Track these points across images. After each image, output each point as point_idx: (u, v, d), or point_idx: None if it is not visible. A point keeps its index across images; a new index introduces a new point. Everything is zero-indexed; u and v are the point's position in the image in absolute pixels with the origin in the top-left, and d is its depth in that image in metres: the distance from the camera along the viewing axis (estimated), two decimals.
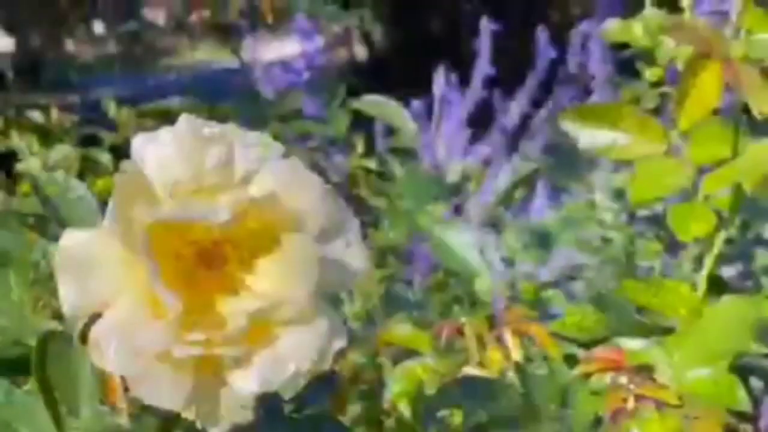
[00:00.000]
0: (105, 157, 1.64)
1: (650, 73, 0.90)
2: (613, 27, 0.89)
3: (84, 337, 0.44)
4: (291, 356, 0.43)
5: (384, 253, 1.34)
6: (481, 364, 0.84)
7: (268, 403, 0.47)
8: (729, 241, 0.80)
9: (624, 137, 0.76)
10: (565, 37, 1.76)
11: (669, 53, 0.85)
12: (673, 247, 0.94)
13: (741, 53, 0.70)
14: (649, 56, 0.89)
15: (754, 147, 0.72)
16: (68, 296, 0.43)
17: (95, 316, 0.43)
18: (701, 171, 0.74)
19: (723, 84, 0.69)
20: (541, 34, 1.72)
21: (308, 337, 0.43)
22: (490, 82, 1.75)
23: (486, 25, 1.73)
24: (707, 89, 0.69)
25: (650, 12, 0.86)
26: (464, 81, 1.77)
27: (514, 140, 1.73)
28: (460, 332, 0.87)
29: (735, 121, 0.74)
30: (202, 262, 0.44)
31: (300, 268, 0.43)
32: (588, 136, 0.77)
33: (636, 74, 0.94)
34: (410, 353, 0.90)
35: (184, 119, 0.45)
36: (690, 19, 0.78)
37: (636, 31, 0.87)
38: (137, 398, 0.43)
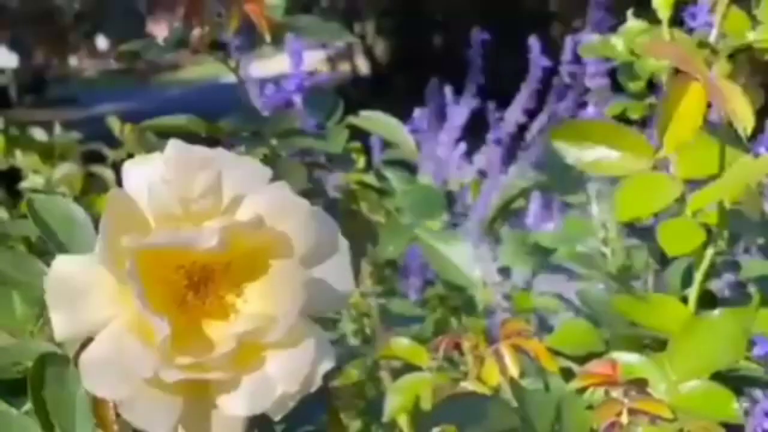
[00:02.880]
0: (108, 174, 1.65)
1: (633, 86, 0.90)
2: (593, 41, 0.89)
3: (78, 360, 0.45)
4: (279, 379, 0.43)
5: (382, 268, 1.35)
6: (479, 379, 0.84)
7: (260, 423, 0.47)
8: (718, 254, 0.81)
9: (611, 153, 0.76)
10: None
11: (650, 66, 0.85)
12: (665, 260, 0.94)
13: (726, 69, 0.71)
14: (630, 69, 0.89)
15: (738, 162, 0.73)
16: (59, 322, 0.44)
17: (90, 340, 0.44)
18: (690, 185, 0.75)
19: (705, 105, 0.69)
20: (534, 44, 1.72)
21: (296, 360, 0.43)
22: (488, 94, 1.75)
23: (476, 35, 1.74)
24: (691, 112, 0.69)
25: (631, 24, 0.87)
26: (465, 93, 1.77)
27: (511, 151, 1.73)
28: (457, 347, 0.87)
29: (721, 136, 0.74)
30: (191, 286, 0.45)
31: (287, 292, 0.44)
32: (576, 153, 0.77)
33: (620, 86, 0.94)
34: (409, 368, 0.90)
35: (172, 144, 0.45)
36: (668, 33, 0.78)
37: (617, 45, 0.88)
38: (129, 423, 0.43)
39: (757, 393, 0.86)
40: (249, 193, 0.45)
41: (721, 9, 0.74)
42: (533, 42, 1.73)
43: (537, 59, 1.71)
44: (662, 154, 0.72)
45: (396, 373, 1.11)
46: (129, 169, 0.46)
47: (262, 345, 0.43)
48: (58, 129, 1.74)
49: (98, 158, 1.71)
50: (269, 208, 0.44)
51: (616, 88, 1.00)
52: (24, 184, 1.66)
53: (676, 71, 0.69)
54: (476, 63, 1.75)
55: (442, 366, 0.88)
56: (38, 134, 1.73)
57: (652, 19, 0.86)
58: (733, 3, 0.76)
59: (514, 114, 1.72)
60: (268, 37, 0.90)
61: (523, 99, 1.72)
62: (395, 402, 0.87)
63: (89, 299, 0.43)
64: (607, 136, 0.76)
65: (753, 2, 0.78)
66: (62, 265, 0.44)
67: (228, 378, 0.43)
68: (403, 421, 0.90)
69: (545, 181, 1.18)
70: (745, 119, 0.68)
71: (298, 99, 1.17)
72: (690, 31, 0.87)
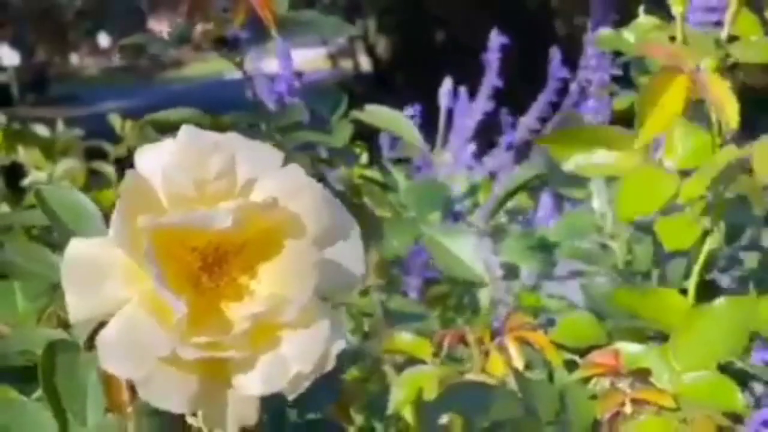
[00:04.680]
0: (109, 170, 1.65)
1: (643, 81, 0.90)
2: (605, 35, 0.89)
3: (90, 346, 0.45)
4: (293, 358, 0.44)
5: (387, 263, 1.35)
6: (484, 372, 0.84)
7: (272, 406, 0.48)
8: (719, 248, 0.81)
9: (606, 155, 0.76)
10: (568, 46, 1.76)
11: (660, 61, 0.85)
12: (667, 253, 0.94)
13: (714, 64, 0.71)
14: (642, 64, 0.90)
15: (722, 151, 0.73)
16: (75, 305, 0.44)
17: (101, 324, 0.44)
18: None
19: (688, 98, 0.70)
20: (554, 54, 1.70)
21: (310, 339, 0.44)
22: (497, 95, 1.75)
23: (495, 39, 1.73)
24: (671, 102, 0.70)
25: (643, 19, 0.87)
26: (469, 93, 1.77)
27: (521, 152, 1.73)
28: (462, 340, 0.88)
29: (712, 128, 0.75)
30: (205, 268, 0.45)
31: (300, 272, 0.44)
32: (571, 159, 0.77)
33: (631, 81, 0.94)
34: (413, 362, 0.91)
35: (185, 129, 0.46)
36: (680, 29, 0.79)
37: (628, 38, 0.88)
38: (144, 403, 0.44)
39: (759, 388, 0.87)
40: (262, 175, 0.45)
41: (732, 10, 0.74)
42: (554, 52, 1.71)
43: (556, 70, 1.69)
44: (639, 144, 0.72)
45: (400, 368, 1.11)
46: (142, 154, 0.46)
47: (276, 325, 0.44)
48: (60, 126, 1.75)
49: (100, 155, 1.72)
50: (283, 189, 0.45)
51: (626, 82, 1.00)
52: (26, 180, 1.66)
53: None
54: (493, 67, 1.73)
55: (445, 360, 0.89)
56: (39, 130, 1.73)
57: (662, 15, 0.87)
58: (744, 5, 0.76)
59: (528, 120, 1.72)
60: (274, 31, 0.90)
61: (538, 108, 1.71)
62: (399, 395, 0.88)
63: (105, 280, 0.44)
64: (596, 139, 0.77)
65: (765, 4, 0.79)
66: (78, 247, 0.45)
67: (243, 357, 0.43)
68: (407, 414, 0.90)
69: (546, 175, 1.18)
70: (730, 115, 0.69)
71: (289, 100, 1.17)
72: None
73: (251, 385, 0.44)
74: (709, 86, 0.69)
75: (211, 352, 0.42)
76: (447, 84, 1.76)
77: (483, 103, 1.74)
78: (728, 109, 0.68)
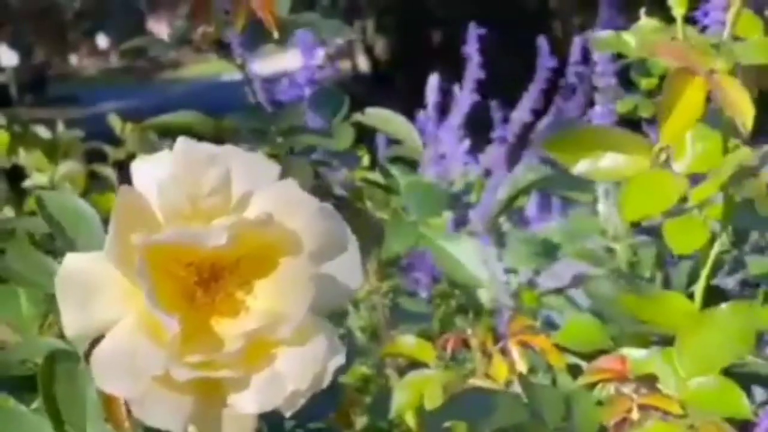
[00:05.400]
0: (109, 173, 1.65)
1: (645, 83, 0.90)
2: (606, 38, 0.89)
3: (90, 357, 0.44)
4: (289, 376, 0.43)
5: (388, 265, 1.34)
6: (487, 376, 0.84)
7: (271, 418, 0.47)
8: (726, 252, 0.81)
9: (613, 158, 0.76)
10: (567, 47, 1.76)
11: (663, 64, 0.85)
12: (672, 257, 0.94)
13: (727, 66, 0.71)
14: (643, 66, 0.89)
15: (736, 152, 0.73)
16: (69, 320, 0.43)
17: (101, 336, 0.43)
18: (695, 181, 0.75)
19: (705, 99, 0.69)
20: (542, 44, 1.72)
21: (306, 357, 0.43)
22: (487, 92, 1.75)
23: (473, 30, 1.74)
24: (690, 105, 0.69)
25: (644, 22, 0.86)
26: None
27: (516, 150, 1.73)
28: (465, 344, 0.87)
29: (724, 128, 0.74)
30: (201, 283, 0.44)
31: (295, 288, 0.43)
32: (576, 162, 0.76)
33: (632, 84, 0.94)
34: (416, 365, 0.90)
35: (181, 141, 0.45)
36: (681, 31, 0.78)
37: (629, 41, 0.87)
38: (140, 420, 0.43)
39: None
40: (257, 190, 0.45)
41: (734, 9, 0.74)
42: (541, 42, 1.72)
43: (544, 60, 1.70)
44: (660, 146, 0.72)
45: (402, 371, 1.11)
46: (138, 166, 0.45)
47: (271, 342, 0.43)
48: (61, 127, 1.74)
49: (99, 157, 1.71)
50: (278, 205, 0.44)
51: (627, 85, 0.99)
52: (27, 183, 1.65)
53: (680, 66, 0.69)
54: (474, 59, 1.74)
55: (448, 364, 0.88)
56: (41, 132, 1.72)
57: (664, 18, 0.86)
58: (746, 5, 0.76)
59: (521, 114, 1.72)
60: (275, 33, 0.90)
61: (530, 99, 1.71)
62: (402, 399, 0.87)
63: (99, 297, 0.43)
64: (605, 141, 0.76)
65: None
66: (72, 262, 0.44)
67: (238, 376, 0.43)
68: (409, 418, 0.89)
69: (552, 177, 1.18)
70: (744, 114, 0.68)
71: (310, 92, 1.17)
72: (703, 29, 0.87)
73: (246, 404, 0.43)
74: (724, 88, 0.69)
75: (205, 372, 0.42)
76: (434, 80, 1.76)
77: (467, 96, 1.74)
78: (744, 111, 0.68)
